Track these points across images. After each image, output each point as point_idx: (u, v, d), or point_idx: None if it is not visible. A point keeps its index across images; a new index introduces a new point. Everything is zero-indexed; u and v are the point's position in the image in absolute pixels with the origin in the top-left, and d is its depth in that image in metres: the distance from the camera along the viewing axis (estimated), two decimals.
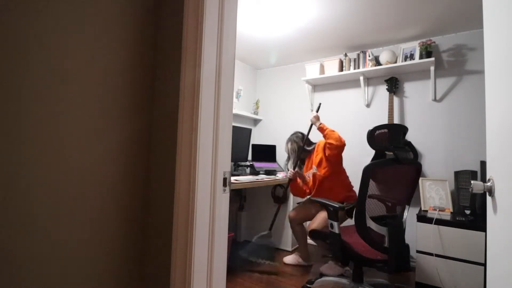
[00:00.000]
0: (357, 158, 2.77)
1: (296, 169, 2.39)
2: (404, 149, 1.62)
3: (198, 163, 0.89)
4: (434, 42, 2.42)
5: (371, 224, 1.56)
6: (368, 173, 1.51)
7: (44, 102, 0.75)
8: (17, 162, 0.71)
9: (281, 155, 3.32)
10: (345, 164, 2.86)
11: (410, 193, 1.69)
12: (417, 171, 1.65)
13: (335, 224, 1.62)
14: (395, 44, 2.67)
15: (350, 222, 2.42)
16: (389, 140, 1.60)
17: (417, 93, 2.57)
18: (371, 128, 1.61)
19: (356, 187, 2.74)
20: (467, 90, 2.34)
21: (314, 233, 1.87)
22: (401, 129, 1.66)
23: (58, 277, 0.79)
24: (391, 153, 1.58)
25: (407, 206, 1.70)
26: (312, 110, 3.16)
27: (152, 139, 1.03)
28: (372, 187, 1.55)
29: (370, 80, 2.82)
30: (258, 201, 2.99)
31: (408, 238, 2.49)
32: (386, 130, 1.60)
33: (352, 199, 2.20)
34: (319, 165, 2.29)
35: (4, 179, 0.69)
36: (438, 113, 2.46)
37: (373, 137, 1.58)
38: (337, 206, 1.63)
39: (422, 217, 2.05)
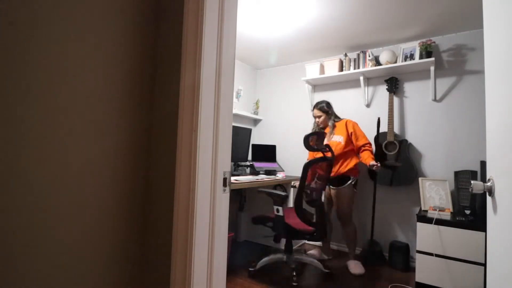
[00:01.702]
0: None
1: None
2: (325, 150, 2.15)
3: (198, 163, 0.89)
4: (434, 42, 2.42)
5: (305, 206, 2.06)
6: (307, 167, 1.96)
7: (44, 103, 0.75)
8: (18, 163, 0.71)
9: (281, 155, 3.32)
10: None
11: (326, 182, 2.22)
12: (330, 165, 2.18)
13: (280, 208, 2.05)
14: (395, 44, 2.67)
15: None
16: (317, 143, 2.09)
17: (417, 93, 2.57)
18: (307, 133, 2.04)
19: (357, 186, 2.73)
20: (467, 90, 2.34)
21: (256, 219, 2.22)
22: (324, 135, 2.19)
23: (58, 277, 0.79)
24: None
25: (323, 192, 2.23)
26: (312, 111, 3.16)
27: (152, 139, 1.03)
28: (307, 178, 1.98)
29: (370, 80, 2.82)
30: (258, 201, 2.99)
31: (408, 238, 2.50)
32: (315, 136, 2.08)
33: (357, 173, 2.45)
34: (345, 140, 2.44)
35: (5, 180, 0.69)
36: (438, 113, 2.46)
37: (307, 141, 2.02)
38: (283, 194, 2.05)
39: (422, 217, 2.05)
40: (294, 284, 1.96)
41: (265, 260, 2.22)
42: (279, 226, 2.04)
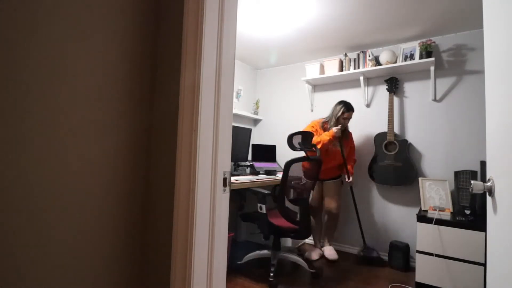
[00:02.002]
0: (358, 156, 2.77)
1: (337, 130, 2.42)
2: (311, 150, 2.21)
3: (198, 163, 0.89)
4: (434, 42, 2.42)
5: (288, 204, 2.08)
6: (287, 166, 1.98)
7: (45, 102, 0.75)
8: (18, 163, 0.71)
9: (281, 155, 3.32)
10: None
11: (314, 182, 2.25)
12: (318, 165, 2.20)
13: (263, 206, 2.11)
14: (395, 44, 2.67)
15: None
16: (303, 142, 2.14)
17: (417, 93, 2.57)
18: (291, 133, 2.11)
19: (355, 186, 2.74)
20: (467, 90, 2.34)
21: (243, 216, 2.30)
22: (310, 134, 2.22)
23: (58, 277, 0.79)
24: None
25: (311, 191, 2.31)
26: (312, 111, 3.17)
27: (152, 139, 1.03)
28: (290, 177, 2.02)
29: (370, 80, 2.82)
30: (257, 201, 2.99)
31: (408, 238, 2.50)
32: (300, 136, 2.13)
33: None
34: (349, 152, 2.62)
35: (5, 180, 0.69)
36: (438, 113, 2.45)
37: (291, 140, 2.06)
38: (265, 192, 2.10)
39: (422, 217, 2.05)
40: (270, 279, 2.03)
41: (251, 255, 2.32)
42: (263, 224, 2.12)
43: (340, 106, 2.50)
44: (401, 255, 2.35)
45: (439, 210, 2.13)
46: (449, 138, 2.39)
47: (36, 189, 0.74)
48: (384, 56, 2.59)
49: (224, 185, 0.99)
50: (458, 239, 1.90)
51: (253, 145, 3.09)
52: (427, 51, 2.38)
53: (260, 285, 2.02)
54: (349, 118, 2.50)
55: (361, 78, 2.73)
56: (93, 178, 0.86)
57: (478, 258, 1.83)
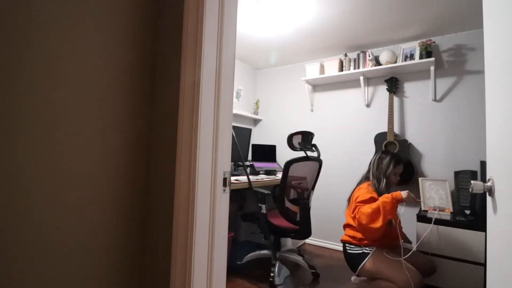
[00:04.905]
0: (358, 156, 2.78)
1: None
2: (311, 150, 2.21)
3: (198, 163, 0.89)
4: (434, 42, 2.42)
5: (288, 204, 2.09)
6: (287, 166, 2.00)
7: (44, 104, 0.75)
8: (18, 164, 0.71)
9: (281, 155, 3.32)
10: (346, 162, 2.88)
11: (314, 182, 2.26)
12: (319, 165, 2.23)
13: (263, 206, 2.13)
14: (395, 44, 2.67)
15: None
16: (303, 142, 2.15)
17: (417, 93, 2.57)
18: (291, 133, 2.10)
19: (353, 183, 2.74)
20: (467, 90, 2.34)
21: (244, 216, 2.27)
22: (310, 134, 2.21)
23: (58, 278, 0.79)
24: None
25: (312, 191, 2.27)
26: (312, 111, 3.16)
27: (152, 139, 1.03)
28: (290, 177, 2.04)
29: (370, 80, 2.82)
30: (258, 201, 2.98)
31: (408, 238, 2.49)
32: (300, 135, 2.14)
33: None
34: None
35: (5, 181, 0.69)
36: (438, 113, 2.45)
37: (291, 140, 2.08)
38: (265, 192, 2.09)
39: (422, 217, 2.05)
40: (271, 279, 2.02)
41: (251, 255, 2.33)
42: (263, 224, 2.12)
43: (386, 159, 1.89)
44: None
45: (439, 210, 2.12)
46: (449, 138, 2.39)
47: (35, 191, 0.74)
48: (384, 56, 2.59)
49: (224, 185, 0.99)
50: (458, 239, 1.90)
51: (253, 145, 3.09)
52: (427, 51, 2.38)
53: (260, 285, 2.02)
54: (400, 172, 1.92)
55: (361, 78, 2.73)
56: (92, 178, 0.86)
57: (478, 258, 1.83)
